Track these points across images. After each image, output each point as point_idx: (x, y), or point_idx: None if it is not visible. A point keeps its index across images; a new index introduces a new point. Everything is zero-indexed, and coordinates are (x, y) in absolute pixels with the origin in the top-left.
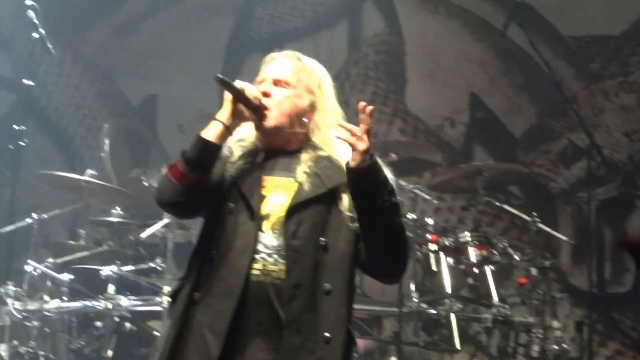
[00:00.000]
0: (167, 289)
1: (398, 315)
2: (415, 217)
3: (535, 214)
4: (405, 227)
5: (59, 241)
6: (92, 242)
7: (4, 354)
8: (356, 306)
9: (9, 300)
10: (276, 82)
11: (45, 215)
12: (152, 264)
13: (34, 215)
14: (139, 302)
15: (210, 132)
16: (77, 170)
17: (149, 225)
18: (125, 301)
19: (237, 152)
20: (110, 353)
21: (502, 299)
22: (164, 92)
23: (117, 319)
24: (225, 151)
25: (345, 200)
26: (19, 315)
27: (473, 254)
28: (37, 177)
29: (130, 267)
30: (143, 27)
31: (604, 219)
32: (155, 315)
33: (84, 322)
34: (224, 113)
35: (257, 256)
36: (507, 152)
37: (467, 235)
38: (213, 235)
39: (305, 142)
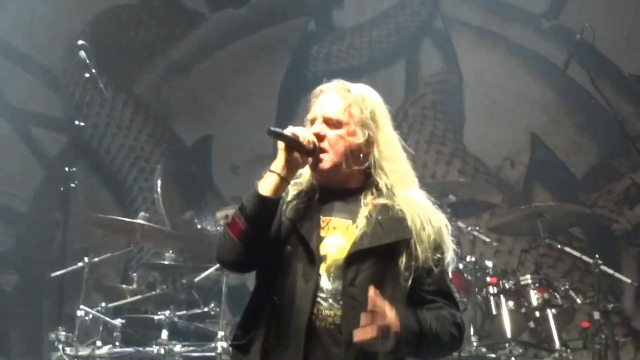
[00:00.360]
0: (221, 334)
1: None
2: (474, 259)
3: (597, 256)
4: (456, 338)
5: (111, 285)
6: (144, 286)
7: None
8: None
9: (60, 346)
10: (328, 121)
11: (97, 259)
12: (205, 309)
13: (86, 259)
14: (192, 348)
15: (267, 186)
16: (129, 213)
17: (203, 269)
18: (178, 347)
19: (293, 192)
20: None
21: (564, 343)
22: (218, 133)
23: None
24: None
25: (404, 257)
26: None
27: (534, 297)
28: (88, 220)
29: (184, 312)
30: (197, 68)
31: None
32: None
33: None
34: (279, 163)
35: (320, 302)
36: (568, 192)
37: (528, 278)
38: (272, 279)
39: (366, 180)
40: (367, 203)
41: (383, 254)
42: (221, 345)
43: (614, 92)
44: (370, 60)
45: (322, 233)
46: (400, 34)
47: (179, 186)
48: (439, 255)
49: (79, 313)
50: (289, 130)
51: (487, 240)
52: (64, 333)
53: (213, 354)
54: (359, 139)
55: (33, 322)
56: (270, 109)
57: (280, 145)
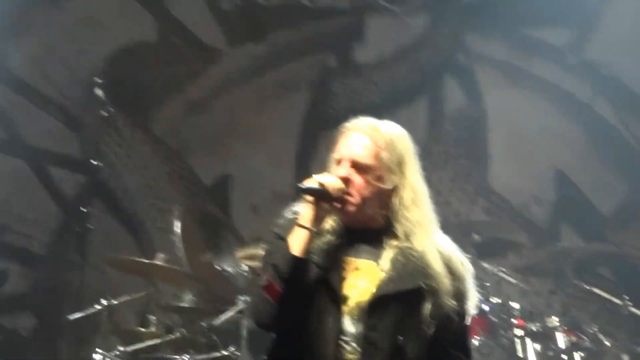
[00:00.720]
0: None
1: None
2: (500, 301)
3: (627, 297)
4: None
5: (128, 328)
6: (163, 329)
7: None
8: None
9: None
10: (355, 164)
11: (114, 301)
12: (225, 352)
13: (103, 302)
14: None
15: (299, 243)
16: (148, 254)
17: (222, 311)
18: None
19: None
20: None
21: None
22: (238, 172)
23: None
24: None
25: (427, 304)
26: None
27: (561, 339)
28: (106, 261)
29: (203, 356)
30: (216, 104)
31: None
32: None
33: None
34: (309, 217)
35: (343, 345)
36: (596, 231)
37: (555, 320)
38: (295, 321)
39: (390, 222)
40: (391, 245)
41: (407, 300)
42: None
43: None
44: (392, 96)
45: (345, 274)
46: (423, 70)
47: (198, 227)
48: (461, 305)
49: (96, 357)
50: (315, 181)
51: (513, 281)
52: None
53: None
54: (387, 185)
55: None
56: (290, 147)
57: (308, 197)
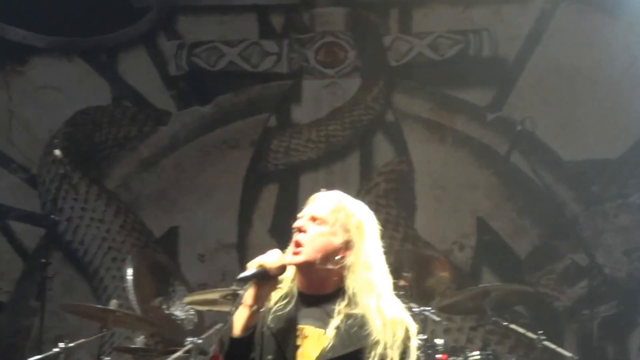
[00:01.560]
0: None
1: None
2: (425, 337)
3: (540, 332)
4: None
5: None
6: None
7: None
8: None
9: None
10: (313, 219)
11: (72, 344)
12: None
13: (61, 345)
14: None
15: (241, 324)
16: (102, 300)
17: (172, 352)
18: None
19: (274, 297)
20: None
21: None
22: (185, 224)
23: None
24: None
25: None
26: None
27: None
28: (63, 307)
29: None
30: (165, 162)
31: (606, 335)
32: None
33: None
34: (250, 297)
35: None
36: (513, 272)
37: (475, 355)
38: None
39: (340, 286)
40: (340, 311)
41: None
42: None
43: (553, 177)
44: (327, 152)
45: (298, 341)
46: (355, 127)
47: (149, 274)
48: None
49: None
50: (254, 265)
51: (438, 319)
52: None
53: None
54: (338, 240)
55: None
56: (234, 199)
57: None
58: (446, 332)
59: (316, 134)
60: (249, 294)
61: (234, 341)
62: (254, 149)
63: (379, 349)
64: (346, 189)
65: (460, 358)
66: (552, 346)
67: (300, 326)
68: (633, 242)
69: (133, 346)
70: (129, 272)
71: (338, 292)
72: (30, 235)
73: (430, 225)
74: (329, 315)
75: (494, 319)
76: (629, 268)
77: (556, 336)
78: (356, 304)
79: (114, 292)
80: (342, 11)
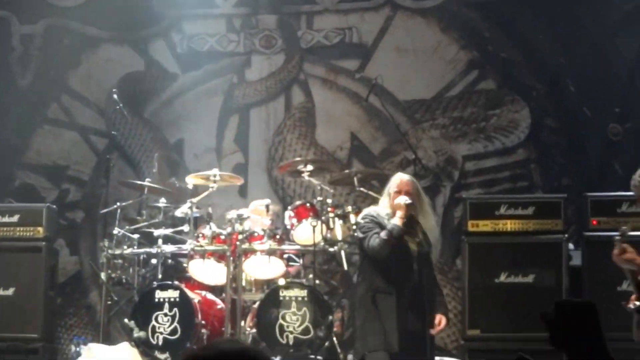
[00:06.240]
0: (190, 241)
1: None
2: (321, 199)
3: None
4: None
5: (131, 217)
6: (149, 217)
7: (103, 278)
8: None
9: (105, 249)
10: (407, 193)
11: (124, 203)
12: (181, 228)
13: (118, 203)
14: (175, 249)
15: (400, 224)
16: (141, 179)
17: (179, 207)
18: (167, 248)
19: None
20: (160, 276)
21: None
22: (187, 136)
23: (163, 258)
24: (385, 220)
25: (434, 253)
26: (110, 257)
27: (352, 217)
28: (119, 183)
29: (170, 230)
30: (176, 102)
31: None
32: (184, 256)
33: (145, 260)
34: (404, 215)
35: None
36: (371, 162)
37: (349, 208)
38: (394, 255)
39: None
40: (419, 230)
41: (427, 251)
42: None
43: (394, 109)
44: (267, 96)
45: (409, 239)
46: (282, 82)
47: (167, 164)
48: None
49: (115, 231)
50: (403, 205)
51: (327, 188)
52: (107, 242)
53: (186, 252)
54: (418, 200)
55: (91, 237)
56: (214, 123)
57: (405, 205)
58: (333, 196)
59: (260, 86)
60: (402, 213)
61: (401, 229)
62: (225, 95)
63: (434, 247)
64: (277, 117)
65: (339, 210)
66: None
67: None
68: (438, 146)
69: (158, 204)
70: (155, 163)
71: (414, 219)
72: (101, 143)
73: (324, 136)
74: (415, 232)
75: (360, 189)
76: (436, 160)
77: None
78: (423, 222)
79: (147, 174)
80: (275, 16)
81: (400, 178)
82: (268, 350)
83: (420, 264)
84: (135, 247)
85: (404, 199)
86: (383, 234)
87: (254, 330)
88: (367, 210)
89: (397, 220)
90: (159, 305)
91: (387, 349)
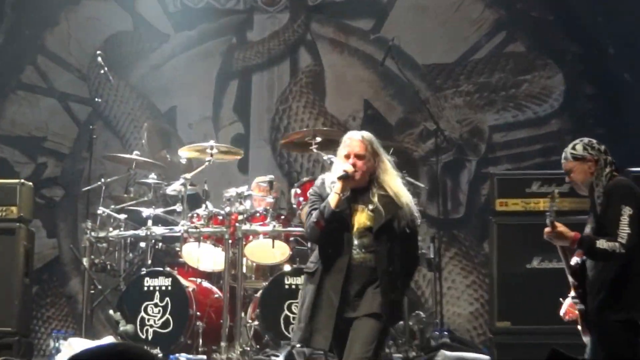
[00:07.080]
0: (183, 222)
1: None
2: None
3: (405, 171)
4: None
5: (118, 195)
6: (138, 195)
7: (85, 264)
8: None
9: (88, 231)
10: (357, 155)
11: (109, 179)
12: (173, 207)
13: (102, 180)
14: (166, 231)
15: (335, 203)
16: (128, 152)
17: (171, 184)
18: (158, 230)
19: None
20: (149, 262)
21: None
22: (180, 104)
23: (153, 241)
24: (327, 190)
25: (400, 222)
26: (94, 240)
27: None
28: (104, 156)
29: (161, 209)
30: (167, 65)
31: (446, 174)
32: (176, 239)
33: (133, 243)
34: (339, 189)
35: (353, 251)
36: (388, 134)
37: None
38: (329, 239)
39: (371, 180)
40: (374, 194)
41: (389, 223)
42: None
43: (412, 74)
44: (269, 59)
45: (353, 213)
46: (286, 43)
47: (157, 135)
48: (413, 217)
49: (99, 211)
50: (342, 170)
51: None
52: (90, 223)
53: (178, 234)
54: (371, 163)
55: (72, 217)
56: (211, 89)
57: (336, 187)
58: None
59: (262, 47)
60: (338, 187)
61: (333, 212)
62: (223, 57)
63: (404, 215)
64: (281, 82)
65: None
66: (412, 180)
67: (353, 205)
68: (462, 115)
69: (147, 180)
70: (144, 134)
71: (370, 184)
72: (82, 111)
73: (334, 104)
74: (368, 198)
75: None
76: (460, 131)
77: (414, 175)
78: (383, 188)
79: (135, 146)
80: None
81: (349, 137)
82: (272, 344)
83: (371, 237)
84: (122, 229)
85: (343, 168)
86: (313, 217)
87: (256, 322)
88: (318, 179)
89: (331, 198)
90: (149, 295)
91: (300, 342)
